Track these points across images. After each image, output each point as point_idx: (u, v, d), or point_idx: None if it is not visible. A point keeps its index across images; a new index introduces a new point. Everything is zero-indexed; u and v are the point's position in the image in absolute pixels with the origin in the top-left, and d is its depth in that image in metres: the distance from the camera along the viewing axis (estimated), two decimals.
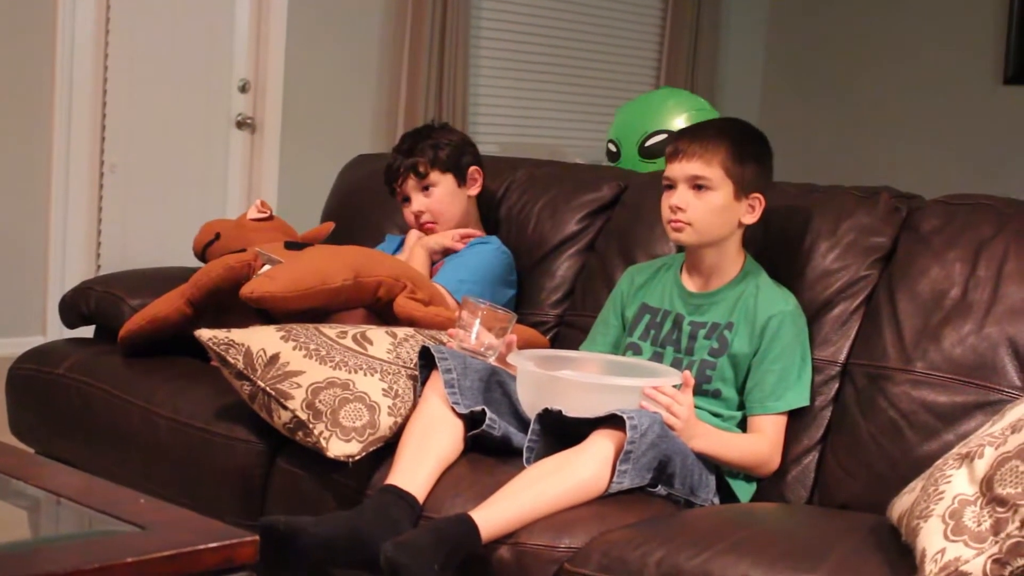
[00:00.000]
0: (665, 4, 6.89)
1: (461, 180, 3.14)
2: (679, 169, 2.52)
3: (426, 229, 3.14)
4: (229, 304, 2.90)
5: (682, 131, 2.60)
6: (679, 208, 2.51)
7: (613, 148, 3.72)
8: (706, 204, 2.50)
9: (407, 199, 3.15)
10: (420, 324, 2.74)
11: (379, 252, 3.03)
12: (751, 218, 2.55)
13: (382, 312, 2.83)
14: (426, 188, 3.12)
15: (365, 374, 2.49)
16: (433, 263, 3.11)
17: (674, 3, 6.84)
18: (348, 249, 2.94)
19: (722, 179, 2.49)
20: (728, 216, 2.52)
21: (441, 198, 3.12)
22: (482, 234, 3.17)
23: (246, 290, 2.69)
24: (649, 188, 2.95)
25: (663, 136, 3.62)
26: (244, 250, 2.96)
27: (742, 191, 2.51)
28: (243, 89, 5.33)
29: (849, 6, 7.12)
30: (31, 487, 1.91)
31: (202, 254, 3.36)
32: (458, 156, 3.14)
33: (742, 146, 2.53)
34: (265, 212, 3.36)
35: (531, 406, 2.38)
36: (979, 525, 1.79)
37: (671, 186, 2.54)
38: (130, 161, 5.07)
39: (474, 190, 3.17)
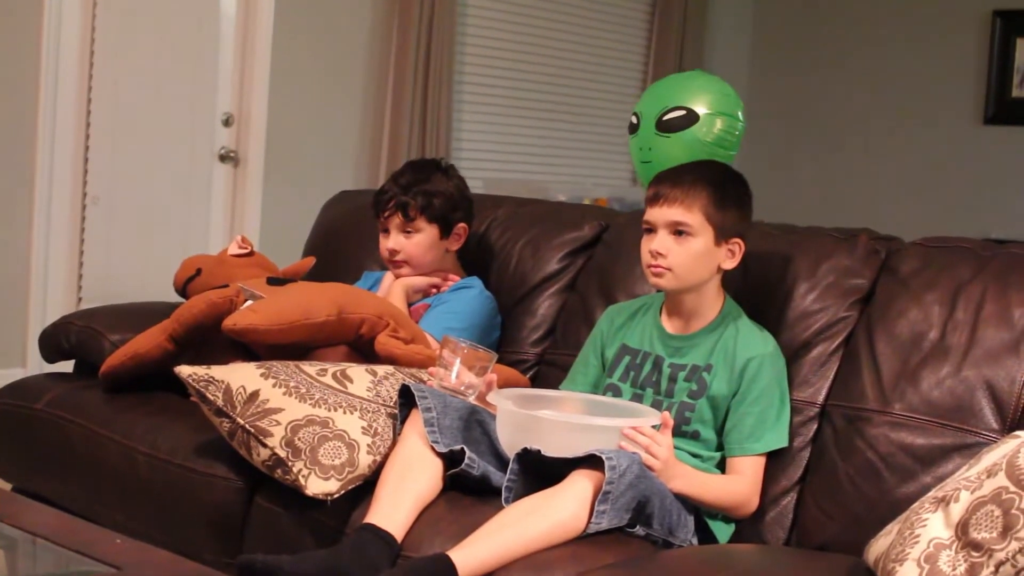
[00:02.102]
0: (648, 44, 6.92)
1: (445, 233, 3.13)
2: (659, 214, 2.53)
3: (395, 265, 3.14)
4: (211, 340, 2.90)
5: (662, 175, 2.61)
6: (659, 254, 2.52)
7: (634, 120, 3.73)
8: (686, 250, 2.51)
9: (387, 231, 3.15)
10: (400, 362, 2.74)
11: (362, 290, 3.04)
12: (731, 263, 2.56)
13: (364, 349, 2.83)
14: (408, 231, 3.12)
15: (344, 412, 2.49)
16: (411, 304, 3.11)
17: (657, 43, 6.88)
18: (332, 285, 2.94)
19: (702, 225, 2.51)
20: (708, 262, 2.53)
21: (420, 244, 3.11)
22: (459, 278, 3.16)
23: (229, 322, 2.69)
24: (630, 228, 2.96)
25: (681, 112, 3.60)
26: (226, 286, 2.96)
27: (722, 237, 2.53)
28: (227, 123, 5.33)
29: (828, 46, 7.16)
30: (8, 527, 1.90)
31: (183, 290, 3.36)
32: (449, 210, 3.12)
33: (723, 191, 2.54)
34: (246, 248, 3.37)
35: (510, 445, 2.38)
36: (954, 569, 1.80)
37: (651, 230, 2.56)
38: (113, 194, 5.05)
39: (455, 245, 3.17)
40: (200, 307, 2.87)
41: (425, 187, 3.11)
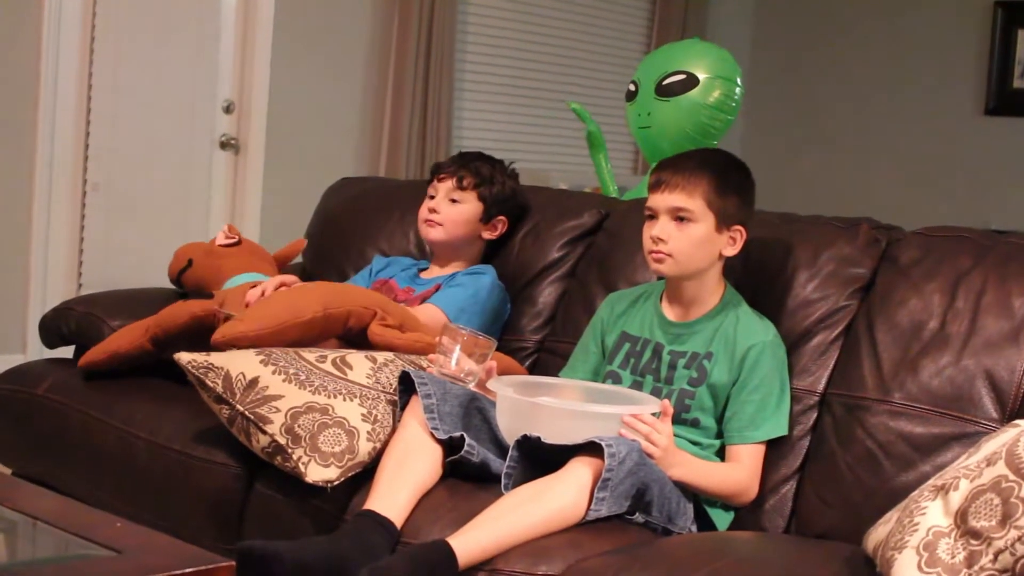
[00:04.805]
0: (650, 31, 6.92)
1: (486, 217, 3.16)
2: (661, 200, 2.53)
3: (428, 225, 3.16)
4: (199, 339, 2.89)
5: (664, 162, 2.61)
6: (660, 239, 2.51)
7: (632, 88, 3.73)
8: (687, 236, 2.51)
9: (434, 196, 3.18)
10: (400, 351, 2.73)
11: (346, 284, 3.08)
12: (732, 250, 2.56)
13: (355, 342, 2.82)
14: (455, 200, 3.14)
15: (344, 399, 2.49)
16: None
17: (658, 31, 6.88)
18: (314, 285, 2.95)
19: (704, 211, 2.50)
20: (709, 248, 2.53)
21: (460, 214, 3.14)
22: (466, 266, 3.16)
23: (217, 336, 2.69)
24: (631, 215, 2.96)
25: (682, 76, 3.60)
26: (212, 295, 3.00)
27: (723, 223, 2.52)
28: (227, 110, 5.32)
29: (830, 36, 7.15)
30: (7, 510, 1.90)
31: (177, 280, 3.37)
32: (500, 199, 3.16)
33: (725, 178, 2.54)
34: (233, 237, 3.36)
35: (510, 432, 2.38)
36: (953, 557, 1.80)
37: (653, 216, 2.55)
38: (113, 181, 5.05)
39: (488, 234, 3.19)
40: (184, 319, 2.89)
41: (488, 168, 3.18)
